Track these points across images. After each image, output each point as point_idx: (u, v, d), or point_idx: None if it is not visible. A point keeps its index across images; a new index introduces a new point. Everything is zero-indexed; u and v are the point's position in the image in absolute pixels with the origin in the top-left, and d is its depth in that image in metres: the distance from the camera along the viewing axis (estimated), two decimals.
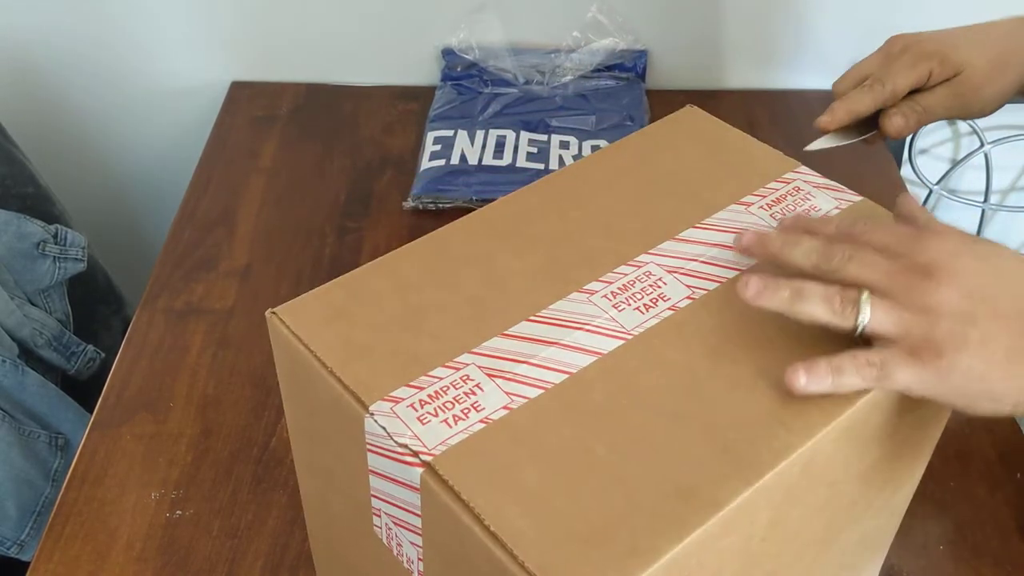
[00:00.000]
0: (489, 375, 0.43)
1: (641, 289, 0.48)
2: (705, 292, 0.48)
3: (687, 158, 0.57)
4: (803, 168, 0.56)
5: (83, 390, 0.97)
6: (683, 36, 1.17)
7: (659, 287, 0.48)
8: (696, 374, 0.44)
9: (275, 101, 1.18)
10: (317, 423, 0.48)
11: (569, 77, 1.14)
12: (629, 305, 0.47)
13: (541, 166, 1.04)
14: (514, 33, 1.17)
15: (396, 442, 0.40)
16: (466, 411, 0.41)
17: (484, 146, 1.06)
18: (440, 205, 1.01)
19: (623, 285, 0.48)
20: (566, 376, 0.43)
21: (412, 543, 0.43)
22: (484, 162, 1.04)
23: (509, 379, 0.43)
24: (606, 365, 0.44)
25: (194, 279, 0.94)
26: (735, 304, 0.46)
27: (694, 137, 0.59)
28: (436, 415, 0.41)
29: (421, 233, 1.08)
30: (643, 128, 0.61)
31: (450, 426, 0.41)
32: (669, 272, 0.49)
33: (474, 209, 0.99)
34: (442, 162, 1.04)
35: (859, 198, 0.54)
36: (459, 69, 1.17)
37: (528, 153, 1.05)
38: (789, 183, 0.55)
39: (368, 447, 0.42)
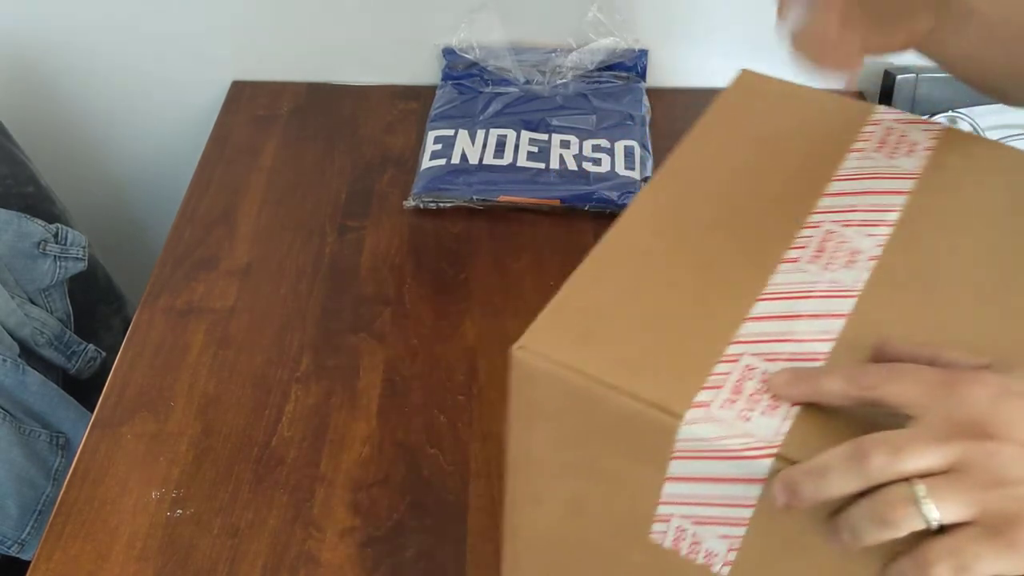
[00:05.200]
0: (768, 360, 0.44)
1: (834, 247, 0.49)
2: (887, 237, 0.50)
3: (777, 121, 0.58)
4: (881, 108, 0.59)
5: (84, 389, 0.97)
6: (683, 36, 1.17)
7: (847, 242, 0.50)
8: (939, 313, 0.46)
9: (275, 101, 1.18)
10: (578, 450, 0.47)
11: (569, 76, 1.14)
12: (835, 264, 0.48)
13: (542, 165, 1.04)
14: (514, 32, 1.17)
15: (732, 443, 0.41)
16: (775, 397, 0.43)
17: (485, 145, 1.06)
18: (441, 204, 1.01)
19: (817, 248, 0.49)
20: (833, 342, 0.45)
21: (723, 536, 0.44)
22: (485, 161, 1.04)
23: (788, 359, 0.44)
24: (860, 322, 0.45)
25: (195, 278, 0.94)
26: (917, 242, 0.50)
27: (769, 100, 0.60)
28: (752, 409, 0.42)
29: (422, 232, 1.08)
30: (714, 102, 0.61)
31: (772, 417, 0.41)
32: (845, 226, 0.50)
33: (475, 208, 1.01)
34: (443, 161, 1.04)
35: (944, 125, 0.57)
36: (460, 68, 1.17)
37: (529, 152, 1.05)
38: (879, 124, 0.57)
39: (676, 455, 0.43)
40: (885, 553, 0.40)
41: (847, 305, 0.47)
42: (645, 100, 1.14)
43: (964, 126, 1.22)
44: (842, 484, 0.38)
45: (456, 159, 1.04)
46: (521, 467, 0.51)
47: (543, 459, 0.49)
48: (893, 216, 0.52)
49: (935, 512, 0.37)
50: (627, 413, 0.43)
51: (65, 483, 0.76)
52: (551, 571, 0.56)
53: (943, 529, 0.38)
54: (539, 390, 0.46)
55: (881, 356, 0.43)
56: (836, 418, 0.41)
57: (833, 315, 0.46)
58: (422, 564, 0.71)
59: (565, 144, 1.07)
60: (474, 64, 1.16)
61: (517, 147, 1.06)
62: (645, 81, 1.17)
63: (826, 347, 0.45)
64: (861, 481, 0.38)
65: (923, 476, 0.37)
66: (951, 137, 0.57)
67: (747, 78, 0.63)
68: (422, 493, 0.76)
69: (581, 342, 0.45)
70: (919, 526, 0.37)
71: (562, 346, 0.45)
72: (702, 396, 0.43)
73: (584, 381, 0.44)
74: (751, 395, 0.43)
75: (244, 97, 1.19)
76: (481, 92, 1.14)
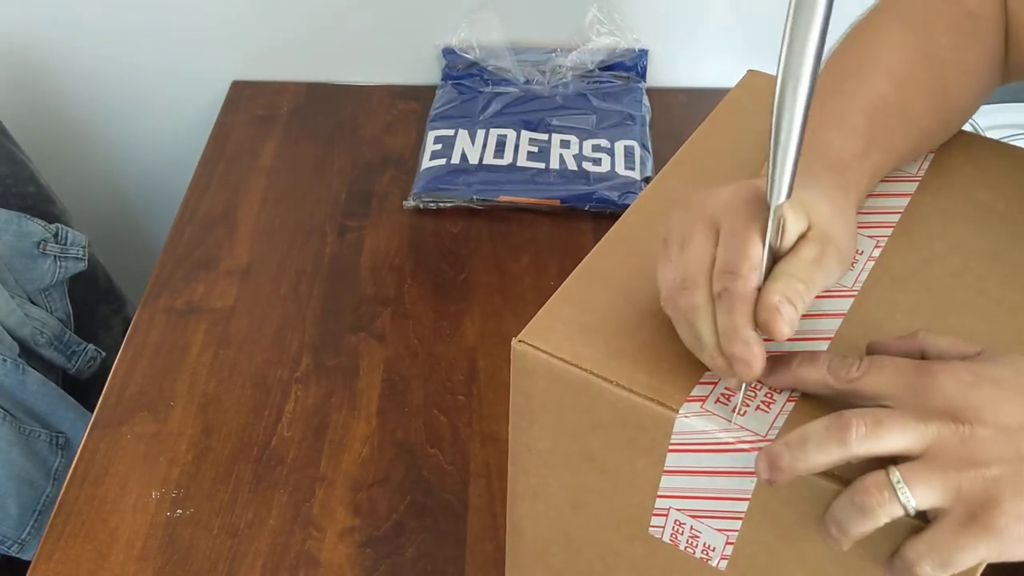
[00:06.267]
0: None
1: None
2: (886, 238, 0.51)
3: None
4: None
5: (84, 389, 0.97)
6: (683, 35, 1.17)
7: None
8: (937, 312, 0.47)
9: (275, 101, 1.18)
10: (577, 442, 0.48)
11: (569, 76, 1.14)
12: None
13: (542, 165, 1.04)
14: (514, 32, 1.17)
15: (726, 436, 0.42)
16: (769, 395, 0.43)
17: (485, 145, 1.06)
18: (441, 204, 1.01)
19: None
20: (830, 341, 0.45)
21: (720, 529, 0.45)
22: (485, 161, 1.04)
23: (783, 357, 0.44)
24: (855, 322, 0.46)
25: (195, 278, 0.94)
26: (917, 242, 0.50)
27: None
28: (747, 405, 0.43)
29: (422, 232, 1.08)
30: (721, 102, 0.61)
31: (766, 412, 0.42)
32: None
33: (475, 208, 1.01)
34: (443, 161, 1.04)
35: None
36: (460, 68, 1.17)
37: (529, 152, 1.05)
38: None
39: (672, 447, 0.43)
40: (877, 548, 0.40)
41: (845, 304, 0.47)
42: (645, 100, 1.14)
43: (964, 126, 1.22)
44: (821, 455, 0.38)
45: (456, 159, 1.04)
46: (522, 460, 0.51)
47: (543, 452, 0.50)
48: (894, 217, 0.52)
49: (911, 498, 0.37)
50: (625, 406, 0.44)
51: (65, 483, 0.76)
52: (554, 566, 0.56)
53: (924, 518, 0.38)
54: (539, 383, 0.47)
55: (873, 350, 0.43)
56: (830, 412, 0.41)
57: (830, 315, 0.47)
58: (422, 564, 0.71)
59: (565, 144, 1.07)
60: (474, 64, 1.16)
61: (517, 147, 1.06)
62: (645, 81, 1.17)
63: (823, 346, 0.45)
64: (840, 452, 0.38)
65: (899, 462, 0.38)
66: (954, 138, 0.57)
67: (753, 79, 0.63)
68: (422, 493, 0.76)
69: (580, 336, 0.46)
70: (897, 513, 0.37)
71: (561, 340, 0.46)
72: (698, 391, 0.43)
73: (583, 374, 0.44)
74: (746, 392, 0.43)
75: (244, 97, 1.19)
76: (481, 92, 1.14)
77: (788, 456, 0.39)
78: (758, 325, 0.40)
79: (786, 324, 0.40)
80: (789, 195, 0.40)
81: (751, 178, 0.44)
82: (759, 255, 0.40)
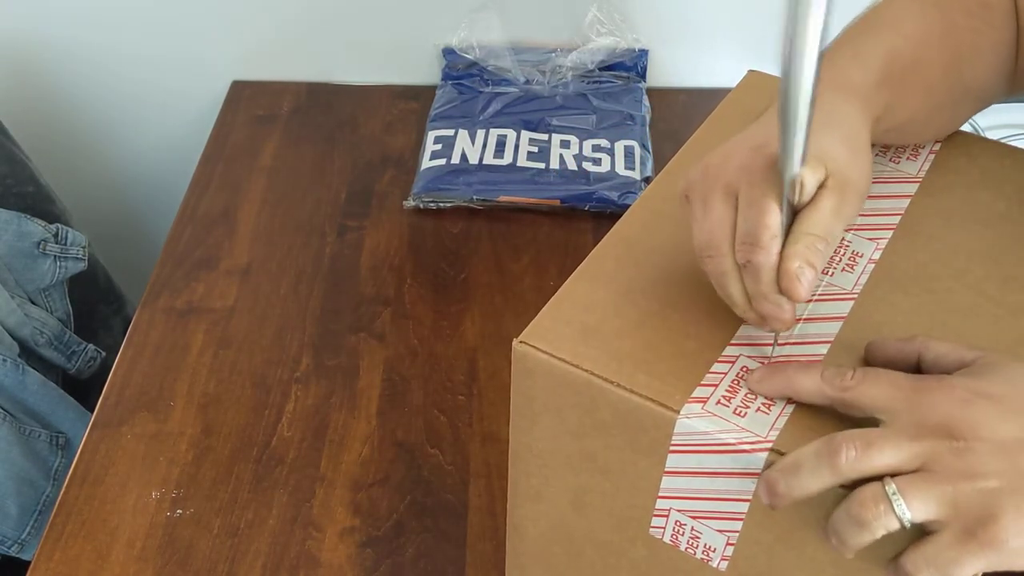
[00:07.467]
0: (762, 363, 0.45)
1: (836, 252, 0.50)
2: (886, 240, 0.51)
3: None
4: None
5: (84, 389, 0.97)
6: (683, 35, 1.17)
7: (848, 246, 0.51)
8: (938, 314, 0.47)
9: (275, 101, 1.18)
10: (578, 443, 0.48)
11: (569, 76, 1.14)
12: (836, 268, 0.49)
13: (542, 165, 1.04)
14: (514, 32, 1.17)
15: (727, 437, 0.42)
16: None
17: (485, 145, 1.06)
18: (441, 204, 1.01)
19: None
20: (830, 344, 0.45)
21: (721, 530, 0.45)
22: (485, 161, 1.04)
23: (784, 361, 0.44)
24: (855, 325, 0.46)
25: (195, 278, 0.94)
26: (918, 244, 0.50)
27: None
28: (748, 407, 0.43)
29: (421, 232, 1.08)
30: (721, 103, 0.61)
31: (767, 413, 0.42)
32: (846, 231, 0.51)
33: (475, 208, 1.01)
34: (443, 161, 1.04)
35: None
36: (460, 68, 1.17)
37: (529, 152, 1.05)
38: None
39: (673, 448, 0.44)
40: (877, 551, 0.40)
41: (845, 307, 0.47)
42: (645, 100, 1.14)
43: (964, 126, 1.22)
44: (814, 480, 0.39)
45: (456, 159, 1.04)
46: (523, 461, 0.51)
47: (544, 453, 0.50)
48: (894, 219, 0.52)
49: (907, 510, 0.37)
50: (626, 407, 0.44)
51: (65, 483, 0.76)
52: (554, 567, 0.56)
53: (921, 531, 0.38)
54: (540, 384, 0.47)
55: (871, 351, 0.44)
56: (830, 415, 0.41)
57: (831, 318, 0.47)
58: (422, 564, 0.71)
59: (565, 144, 1.07)
60: (474, 64, 1.16)
61: (517, 147, 1.06)
62: (645, 81, 1.17)
63: (823, 349, 0.45)
64: (832, 477, 0.38)
65: (895, 475, 0.37)
66: (954, 138, 0.57)
67: (754, 79, 0.63)
68: (422, 493, 0.76)
69: (581, 337, 0.46)
70: (893, 525, 0.37)
71: (563, 341, 0.46)
72: (699, 392, 0.43)
73: (584, 375, 0.44)
74: (746, 394, 0.43)
75: (244, 97, 1.19)
76: (481, 92, 1.14)
77: (783, 483, 0.39)
78: (780, 290, 0.41)
79: (806, 289, 0.41)
80: (803, 163, 0.40)
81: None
82: (778, 223, 0.41)
